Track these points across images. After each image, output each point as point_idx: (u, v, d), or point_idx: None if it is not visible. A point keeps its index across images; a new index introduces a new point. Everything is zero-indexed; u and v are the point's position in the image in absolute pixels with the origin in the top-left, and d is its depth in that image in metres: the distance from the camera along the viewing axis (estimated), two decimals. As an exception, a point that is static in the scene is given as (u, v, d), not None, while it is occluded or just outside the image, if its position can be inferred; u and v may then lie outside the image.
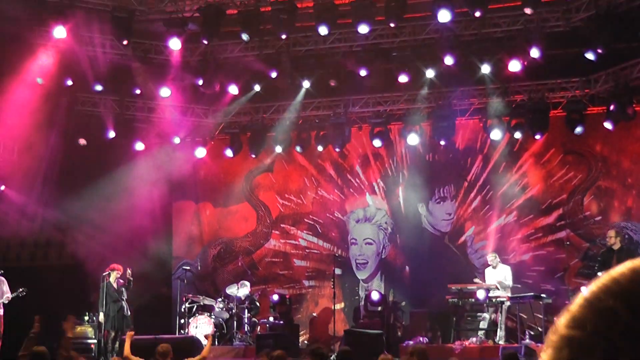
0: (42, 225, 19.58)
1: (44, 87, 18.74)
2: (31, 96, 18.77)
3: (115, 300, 17.57)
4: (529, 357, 12.57)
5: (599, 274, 14.96)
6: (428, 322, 18.76)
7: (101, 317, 17.74)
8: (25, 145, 19.67)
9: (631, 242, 18.70)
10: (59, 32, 17.68)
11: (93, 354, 17.84)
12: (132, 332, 14.71)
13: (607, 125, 18.11)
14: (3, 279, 16.87)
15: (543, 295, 17.02)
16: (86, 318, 18.56)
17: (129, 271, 17.95)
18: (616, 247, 15.91)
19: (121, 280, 17.79)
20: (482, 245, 20.28)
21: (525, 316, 17.64)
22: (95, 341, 18.15)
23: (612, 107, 17.92)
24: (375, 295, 19.41)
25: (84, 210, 19.78)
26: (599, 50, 17.02)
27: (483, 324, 17.12)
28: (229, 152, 21.34)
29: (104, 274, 17.74)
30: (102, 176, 20.15)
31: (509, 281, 17.30)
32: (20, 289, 17.04)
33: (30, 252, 19.46)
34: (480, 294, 16.96)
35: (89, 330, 18.34)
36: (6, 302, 16.82)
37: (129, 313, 17.72)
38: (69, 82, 19.41)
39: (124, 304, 17.63)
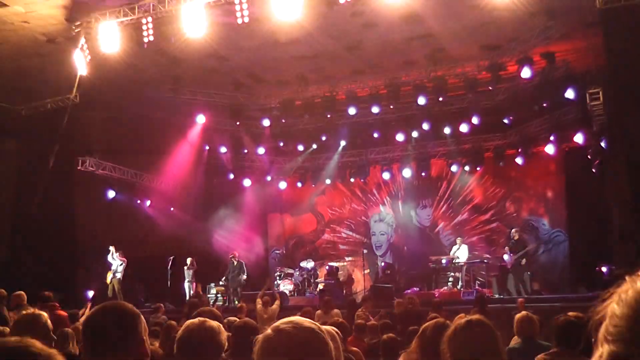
0: (196, 232, 19.71)
1: (192, 150, 19.86)
2: (185, 155, 19.78)
3: (233, 271, 18.69)
4: (480, 297, 11.80)
5: (511, 253, 17.05)
6: (419, 279, 18.84)
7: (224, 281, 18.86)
8: (183, 183, 20.35)
9: (532, 229, 19.27)
10: (200, 118, 19.50)
11: (221, 302, 18.85)
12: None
13: (518, 160, 18.89)
14: (124, 259, 17.45)
15: (485, 260, 18.23)
16: (221, 283, 19.43)
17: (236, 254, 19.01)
18: (517, 239, 16.67)
19: (236, 260, 18.54)
20: (448, 233, 20.56)
21: (474, 273, 17.95)
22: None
23: (520, 150, 18.79)
24: (382, 264, 19.86)
25: (217, 221, 20.51)
26: (511, 117, 18.26)
27: (451, 279, 17.60)
28: (299, 184, 21.95)
29: (230, 256, 18.92)
30: (226, 201, 21.03)
31: (465, 254, 17.76)
32: (170, 257, 18.21)
33: (189, 248, 19.27)
34: (444, 262, 17.90)
35: (221, 289, 19.35)
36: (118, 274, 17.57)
37: (245, 278, 18.61)
38: (207, 147, 20.83)
39: (239, 274, 18.53)
